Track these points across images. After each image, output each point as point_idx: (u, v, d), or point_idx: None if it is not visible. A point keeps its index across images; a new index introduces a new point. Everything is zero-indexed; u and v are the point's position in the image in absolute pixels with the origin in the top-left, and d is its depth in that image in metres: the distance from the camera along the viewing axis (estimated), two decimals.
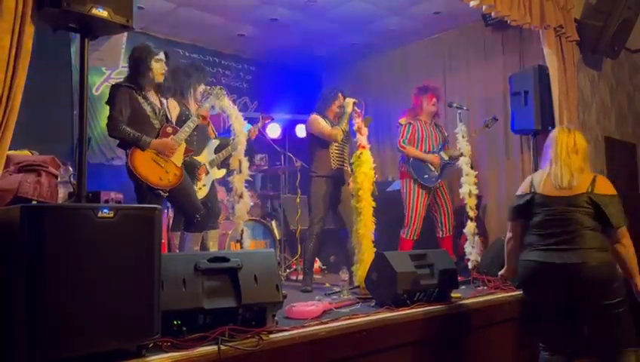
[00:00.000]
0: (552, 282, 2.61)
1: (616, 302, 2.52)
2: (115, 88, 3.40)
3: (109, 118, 3.32)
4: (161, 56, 3.51)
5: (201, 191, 4.00)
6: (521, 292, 3.69)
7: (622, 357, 2.52)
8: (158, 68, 3.48)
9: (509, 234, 2.89)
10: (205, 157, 4.11)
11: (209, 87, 4.22)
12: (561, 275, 2.56)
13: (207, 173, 4.07)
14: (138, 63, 3.42)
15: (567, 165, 2.66)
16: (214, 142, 4.20)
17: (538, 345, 2.86)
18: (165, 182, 3.39)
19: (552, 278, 2.60)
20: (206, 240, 3.99)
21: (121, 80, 3.53)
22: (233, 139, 3.75)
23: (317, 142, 4.37)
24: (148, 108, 3.43)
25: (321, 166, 4.34)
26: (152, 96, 3.52)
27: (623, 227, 2.57)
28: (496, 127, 5.20)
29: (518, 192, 2.84)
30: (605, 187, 2.62)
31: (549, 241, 2.62)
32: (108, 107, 3.36)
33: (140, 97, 3.41)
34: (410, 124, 4.69)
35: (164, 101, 3.66)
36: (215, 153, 4.18)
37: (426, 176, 4.58)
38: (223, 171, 4.18)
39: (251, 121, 4.29)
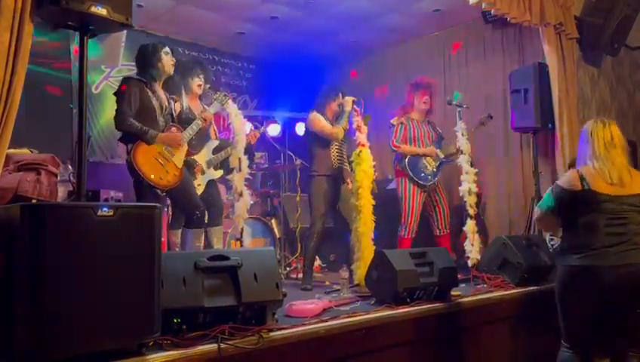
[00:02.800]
0: (604, 285, 2.48)
1: None
2: (125, 80, 3.44)
3: (117, 111, 3.32)
4: (167, 49, 3.59)
5: (197, 189, 4.00)
6: (519, 290, 3.71)
7: (628, 358, 2.50)
8: (168, 60, 3.55)
9: (540, 223, 2.83)
10: (203, 156, 4.10)
11: (208, 86, 4.22)
12: (619, 277, 2.46)
13: (204, 172, 4.06)
14: (148, 57, 3.49)
15: (609, 161, 2.55)
16: (214, 142, 4.19)
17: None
18: (164, 182, 3.39)
19: (608, 281, 2.47)
20: (210, 237, 3.99)
21: (133, 74, 3.57)
22: (233, 138, 3.75)
23: (317, 140, 4.36)
24: (156, 104, 3.46)
25: (321, 165, 4.33)
26: (160, 92, 3.54)
27: None
28: (496, 125, 5.20)
29: (564, 185, 2.64)
30: None
31: (605, 243, 2.50)
32: (115, 100, 3.37)
33: (149, 92, 3.44)
34: (401, 123, 4.67)
35: (171, 99, 3.68)
36: (213, 153, 4.17)
37: (423, 174, 4.57)
38: (220, 172, 4.17)
39: (251, 119, 4.29)
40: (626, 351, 2.55)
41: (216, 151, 4.17)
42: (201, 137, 4.08)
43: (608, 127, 2.64)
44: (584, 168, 2.63)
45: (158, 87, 3.53)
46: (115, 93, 3.40)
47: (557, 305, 2.72)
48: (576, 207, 2.59)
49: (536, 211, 2.87)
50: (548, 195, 2.75)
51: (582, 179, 2.57)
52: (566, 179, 2.68)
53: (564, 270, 2.65)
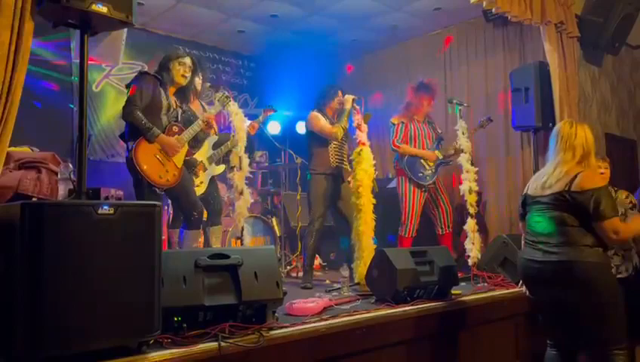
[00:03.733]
0: (538, 279, 2.65)
1: (601, 302, 2.47)
2: (142, 74, 3.49)
3: (127, 101, 3.33)
4: (186, 60, 3.59)
5: (199, 188, 4.00)
6: (519, 289, 3.71)
7: (610, 358, 2.48)
8: (179, 70, 3.56)
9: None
10: (204, 153, 4.10)
11: (208, 85, 4.22)
12: (545, 273, 2.58)
13: (206, 169, 4.06)
14: (164, 61, 3.57)
15: (554, 166, 2.65)
16: (213, 138, 4.19)
17: (538, 341, 2.87)
18: (164, 181, 3.40)
19: (538, 275, 2.63)
20: (209, 237, 3.99)
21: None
22: (233, 136, 3.75)
23: (316, 139, 4.36)
24: (164, 103, 3.47)
25: (320, 163, 4.33)
26: (170, 95, 3.57)
27: (608, 220, 2.46)
28: (496, 124, 5.20)
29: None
30: (584, 183, 2.52)
31: (530, 239, 2.69)
32: (125, 92, 3.41)
33: (162, 90, 3.48)
34: (402, 123, 4.66)
35: (179, 107, 3.69)
36: (214, 149, 4.17)
37: (420, 174, 4.58)
38: (223, 167, 4.17)
39: (251, 117, 4.28)
40: (608, 349, 2.53)
41: (216, 146, 4.17)
42: (201, 135, 4.08)
43: (574, 128, 2.69)
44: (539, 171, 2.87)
45: (169, 89, 3.55)
46: (127, 85, 3.42)
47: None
48: (524, 208, 2.83)
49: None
50: None
51: (528, 185, 2.82)
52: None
53: (519, 262, 2.83)
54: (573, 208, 2.52)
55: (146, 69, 3.70)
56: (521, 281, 3.09)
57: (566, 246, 2.52)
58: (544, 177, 2.68)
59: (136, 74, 3.53)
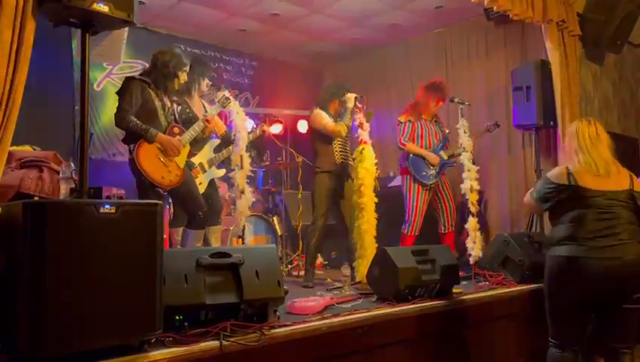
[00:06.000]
0: (588, 277, 2.53)
1: None
2: (128, 80, 3.45)
3: (117, 108, 3.34)
4: (187, 68, 3.62)
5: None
6: (521, 287, 3.71)
7: (620, 356, 2.50)
8: (182, 78, 3.60)
9: (527, 205, 3.00)
10: (204, 156, 4.08)
11: (210, 84, 4.21)
12: (605, 270, 2.50)
13: (205, 171, 4.05)
14: (165, 68, 3.49)
15: (595, 152, 2.63)
16: (215, 141, 4.18)
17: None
18: (166, 182, 3.40)
19: (589, 273, 2.52)
20: (208, 237, 3.99)
21: (135, 73, 3.59)
22: (235, 135, 3.74)
23: (319, 137, 4.36)
24: (158, 105, 3.47)
25: (324, 161, 4.33)
26: (162, 95, 3.56)
27: None
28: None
29: (552, 178, 2.70)
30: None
31: (591, 236, 2.55)
32: (117, 98, 3.39)
33: (152, 92, 3.45)
34: (409, 121, 4.67)
35: (174, 102, 3.71)
36: (215, 152, 4.16)
37: (424, 173, 4.58)
38: (223, 171, 4.16)
39: (252, 117, 4.28)
40: (617, 348, 2.54)
41: (217, 150, 4.17)
42: (203, 138, 4.08)
43: (593, 124, 2.72)
44: (572, 164, 2.70)
45: (163, 92, 3.55)
46: (117, 92, 3.42)
47: (545, 299, 2.76)
48: (564, 201, 2.65)
49: (527, 195, 2.94)
50: (539, 184, 2.86)
51: (569, 174, 2.64)
52: (555, 172, 2.75)
53: (552, 260, 2.69)
54: (632, 206, 2.57)
55: (131, 75, 3.67)
56: (520, 278, 3.02)
57: (624, 244, 2.52)
58: (599, 167, 2.61)
59: (123, 81, 3.49)
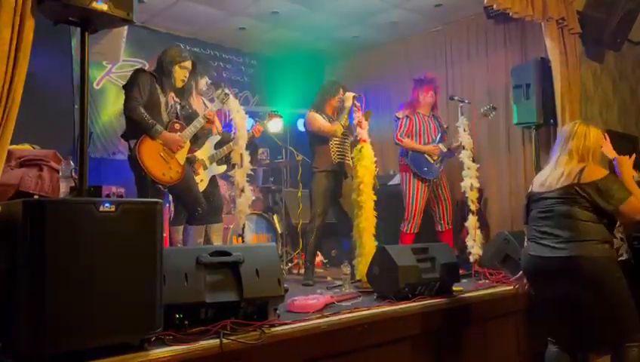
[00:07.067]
0: (545, 275, 2.62)
1: (612, 301, 2.46)
2: (137, 71, 3.49)
3: (127, 98, 3.34)
4: (187, 64, 3.60)
5: (199, 185, 4.00)
6: (513, 287, 3.71)
7: (624, 352, 2.48)
8: (180, 74, 3.59)
9: None
10: (205, 152, 4.10)
11: (210, 81, 4.22)
12: (552, 269, 2.56)
13: (206, 168, 4.06)
14: (163, 65, 3.54)
15: (556, 163, 2.68)
16: (215, 138, 4.19)
17: (540, 338, 2.87)
18: (167, 178, 3.40)
19: (545, 272, 2.61)
20: (210, 235, 4.00)
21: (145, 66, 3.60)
22: (234, 134, 3.75)
23: (316, 138, 4.37)
24: (162, 100, 3.48)
25: (322, 161, 4.33)
26: (167, 91, 3.57)
27: (621, 204, 2.47)
28: (497, 120, 5.19)
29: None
30: (593, 174, 2.53)
31: (539, 235, 2.66)
32: (121, 94, 3.41)
33: (158, 87, 3.48)
34: (407, 117, 4.67)
35: (176, 101, 3.71)
36: (215, 148, 4.17)
37: (426, 168, 4.57)
38: (223, 167, 4.17)
39: (252, 115, 4.28)
40: (621, 344, 2.52)
41: (218, 146, 4.17)
42: (203, 133, 4.08)
43: (581, 129, 2.70)
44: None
45: (166, 88, 3.56)
46: (124, 85, 3.42)
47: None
48: (528, 204, 2.83)
49: None
50: None
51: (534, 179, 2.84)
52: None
53: (522, 258, 2.83)
54: (583, 201, 2.51)
55: (142, 66, 3.68)
56: (514, 278, 3.04)
57: (574, 242, 2.50)
58: (547, 175, 2.70)
59: (133, 71, 3.52)
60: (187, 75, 3.63)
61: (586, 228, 2.51)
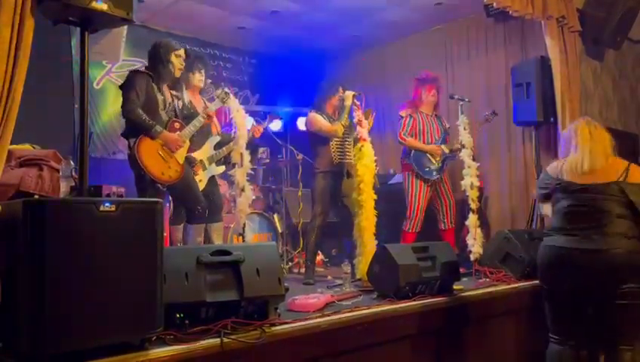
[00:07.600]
0: (575, 268, 2.59)
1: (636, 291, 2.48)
2: (133, 73, 3.48)
3: (125, 100, 3.34)
4: (181, 52, 3.61)
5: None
6: (521, 284, 3.71)
7: (619, 353, 2.49)
8: (177, 63, 3.59)
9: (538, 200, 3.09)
10: (205, 152, 4.09)
11: (210, 81, 4.21)
12: (584, 261, 2.55)
13: (205, 168, 4.05)
14: (159, 56, 3.53)
15: (586, 151, 2.67)
16: (215, 138, 4.18)
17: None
18: (166, 178, 3.40)
19: (575, 264, 2.58)
20: (210, 234, 4.00)
21: (140, 67, 3.60)
22: (234, 133, 3.74)
23: (317, 138, 4.37)
24: (160, 99, 3.48)
25: (322, 161, 4.33)
26: (165, 88, 3.57)
27: None
28: (498, 119, 5.18)
29: (550, 171, 2.83)
30: (638, 175, 2.60)
31: (574, 227, 2.62)
32: (119, 94, 3.40)
33: (154, 86, 3.48)
34: (410, 116, 4.68)
35: (174, 97, 3.70)
36: (215, 149, 4.16)
37: (427, 168, 4.58)
38: (223, 168, 4.16)
39: (252, 114, 4.28)
40: (617, 345, 2.53)
41: (218, 146, 4.16)
42: (203, 133, 4.08)
43: (590, 124, 2.77)
44: (567, 158, 2.78)
45: (163, 84, 3.55)
46: (121, 86, 3.42)
47: (542, 289, 2.82)
48: (556, 193, 2.76)
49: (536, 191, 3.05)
50: (540, 176, 2.99)
51: (561, 168, 2.75)
52: (552, 165, 2.85)
53: (542, 249, 2.79)
54: (623, 198, 2.55)
55: (136, 68, 3.68)
56: (521, 274, 3.04)
57: (609, 237, 2.53)
58: (581, 165, 2.66)
59: (128, 73, 3.52)
60: (183, 63, 3.64)
61: (622, 224, 2.55)
